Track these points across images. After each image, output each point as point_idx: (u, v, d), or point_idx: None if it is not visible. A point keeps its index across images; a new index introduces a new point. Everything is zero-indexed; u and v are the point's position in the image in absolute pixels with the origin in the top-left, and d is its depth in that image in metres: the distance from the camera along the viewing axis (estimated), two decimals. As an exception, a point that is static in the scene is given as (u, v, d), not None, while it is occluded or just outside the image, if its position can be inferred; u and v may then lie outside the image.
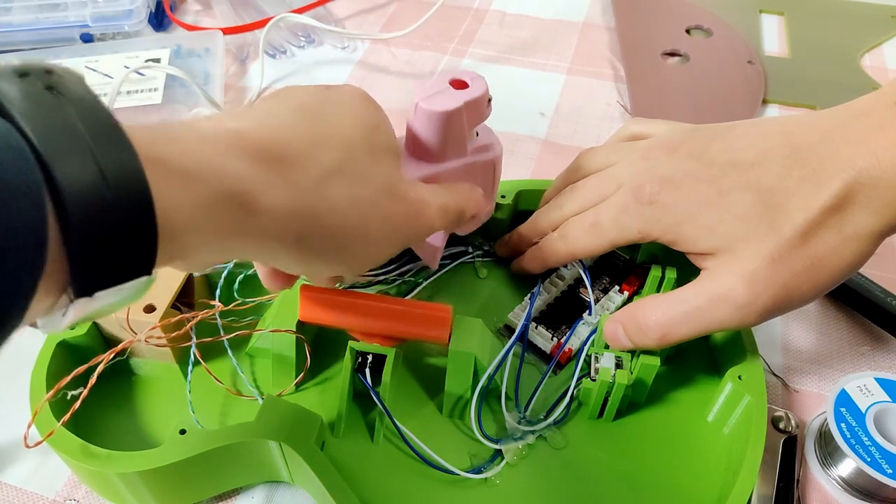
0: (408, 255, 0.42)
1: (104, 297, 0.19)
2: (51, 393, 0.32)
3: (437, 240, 0.39)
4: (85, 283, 0.19)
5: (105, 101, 0.20)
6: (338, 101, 0.29)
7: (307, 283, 0.35)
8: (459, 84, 0.33)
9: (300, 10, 0.64)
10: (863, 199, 0.31)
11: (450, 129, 0.33)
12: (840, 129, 0.32)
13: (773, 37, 0.66)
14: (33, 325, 0.20)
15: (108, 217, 0.18)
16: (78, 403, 0.32)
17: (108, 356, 0.33)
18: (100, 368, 0.33)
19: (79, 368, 0.32)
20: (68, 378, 0.32)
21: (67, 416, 0.31)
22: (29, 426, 0.31)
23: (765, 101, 0.59)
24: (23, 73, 0.19)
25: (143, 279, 0.20)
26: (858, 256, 0.31)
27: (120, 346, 0.34)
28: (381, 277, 0.41)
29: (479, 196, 0.35)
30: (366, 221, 0.27)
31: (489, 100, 0.34)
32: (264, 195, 0.23)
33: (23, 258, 0.17)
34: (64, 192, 0.17)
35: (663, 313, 0.34)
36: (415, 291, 0.41)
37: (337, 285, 0.36)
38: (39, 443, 0.31)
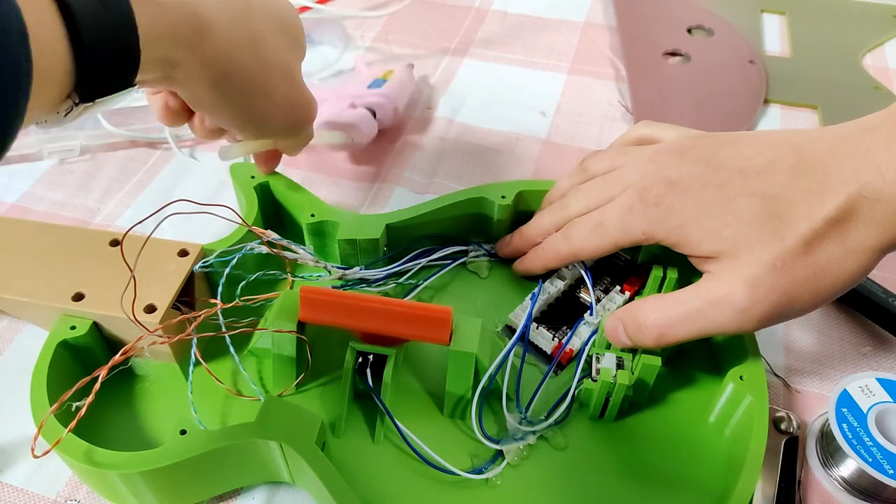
0: (407, 255, 0.42)
1: (101, 103, 0.27)
2: (55, 406, 0.32)
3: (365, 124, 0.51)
4: (90, 90, 0.26)
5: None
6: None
7: (308, 284, 0.35)
8: None
9: (300, 11, 0.64)
10: (866, 213, 0.31)
11: None
12: (847, 142, 0.32)
13: (775, 36, 0.66)
14: (40, 123, 0.26)
15: (107, 33, 0.25)
16: (83, 411, 0.32)
17: (108, 366, 0.33)
18: (102, 377, 0.32)
19: (81, 381, 0.32)
20: (71, 391, 0.32)
21: (73, 423, 0.31)
22: (35, 438, 0.31)
23: (766, 101, 0.59)
24: None
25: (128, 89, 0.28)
26: (859, 269, 0.31)
27: (120, 356, 0.34)
28: (381, 277, 0.41)
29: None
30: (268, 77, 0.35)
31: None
32: (210, 30, 0.31)
33: (17, 60, 0.21)
34: (76, 14, 0.24)
35: (662, 313, 0.34)
36: (415, 292, 0.41)
37: (336, 286, 0.36)
38: (47, 452, 0.31)
